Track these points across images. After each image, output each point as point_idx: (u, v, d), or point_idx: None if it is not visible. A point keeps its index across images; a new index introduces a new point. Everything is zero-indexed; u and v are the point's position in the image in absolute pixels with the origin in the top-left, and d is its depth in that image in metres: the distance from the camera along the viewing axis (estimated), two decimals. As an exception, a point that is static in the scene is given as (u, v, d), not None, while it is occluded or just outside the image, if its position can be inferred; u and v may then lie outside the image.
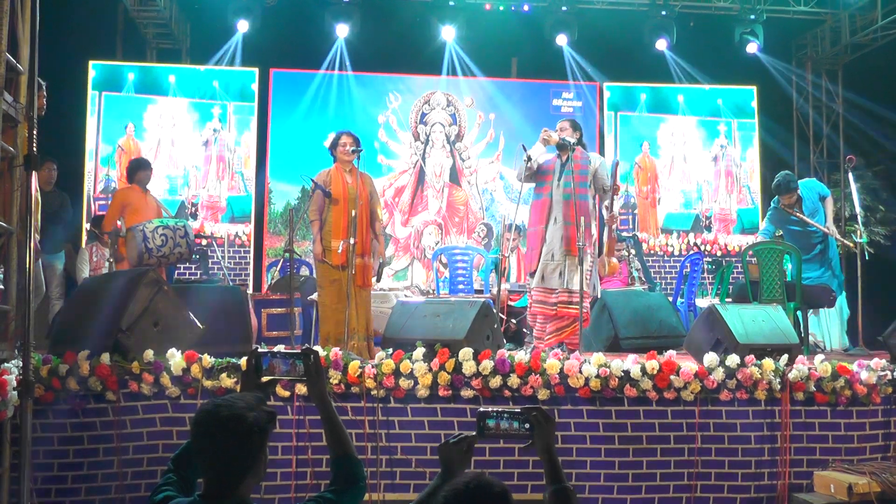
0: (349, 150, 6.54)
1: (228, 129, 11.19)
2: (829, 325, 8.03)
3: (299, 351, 2.71)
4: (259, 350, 2.73)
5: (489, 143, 11.76)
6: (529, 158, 6.51)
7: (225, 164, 11.13)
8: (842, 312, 8.09)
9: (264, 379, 2.69)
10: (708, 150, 11.97)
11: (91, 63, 10.87)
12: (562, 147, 6.52)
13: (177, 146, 11.05)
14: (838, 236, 7.81)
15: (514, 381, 5.31)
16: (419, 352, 5.35)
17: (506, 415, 2.66)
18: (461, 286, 9.35)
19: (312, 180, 6.56)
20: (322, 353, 5.29)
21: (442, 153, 11.69)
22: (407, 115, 11.69)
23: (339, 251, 6.31)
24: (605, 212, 6.56)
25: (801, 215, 7.70)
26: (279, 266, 9.69)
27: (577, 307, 6.21)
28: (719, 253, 11.54)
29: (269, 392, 2.77)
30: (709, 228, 11.83)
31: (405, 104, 11.71)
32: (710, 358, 5.40)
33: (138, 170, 7.54)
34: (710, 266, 10.20)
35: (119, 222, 7.22)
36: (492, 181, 11.70)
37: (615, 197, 6.62)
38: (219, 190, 11.10)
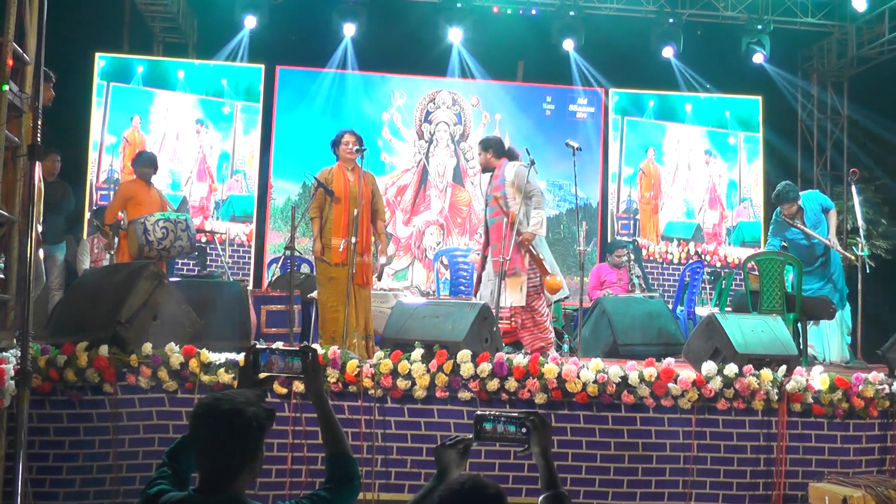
0: (352, 149, 6.55)
1: (233, 129, 11.18)
2: (829, 337, 8.02)
3: (297, 348, 2.71)
4: (257, 346, 2.72)
5: (494, 143, 11.72)
6: None
7: (205, 165, 11.05)
8: (842, 325, 8.07)
9: (262, 375, 2.69)
10: (713, 161, 11.97)
11: (97, 55, 10.88)
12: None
13: (181, 141, 11.05)
14: (840, 248, 7.80)
15: (511, 384, 5.31)
16: (417, 352, 5.35)
17: (503, 418, 2.65)
18: (462, 288, 9.34)
19: (315, 178, 6.56)
20: (320, 351, 5.30)
21: (446, 153, 11.65)
22: (411, 113, 11.66)
23: (340, 249, 6.32)
24: (519, 233, 6.64)
25: (802, 226, 7.69)
26: (280, 263, 9.69)
27: (508, 322, 6.64)
28: (718, 264, 11.53)
29: (266, 388, 2.77)
30: (709, 240, 11.82)
31: (410, 102, 11.68)
32: (709, 367, 5.40)
33: (142, 164, 7.53)
34: (709, 277, 10.20)
35: (121, 214, 7.23)
36: (495, 182, 11.68)
37: (530, 204, 6.69)
38: (204, 191, 11.05)
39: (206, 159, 11.06)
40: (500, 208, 6.72)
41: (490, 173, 6.96)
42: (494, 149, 6.94)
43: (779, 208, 7.86)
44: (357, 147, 6.52)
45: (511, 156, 6.96)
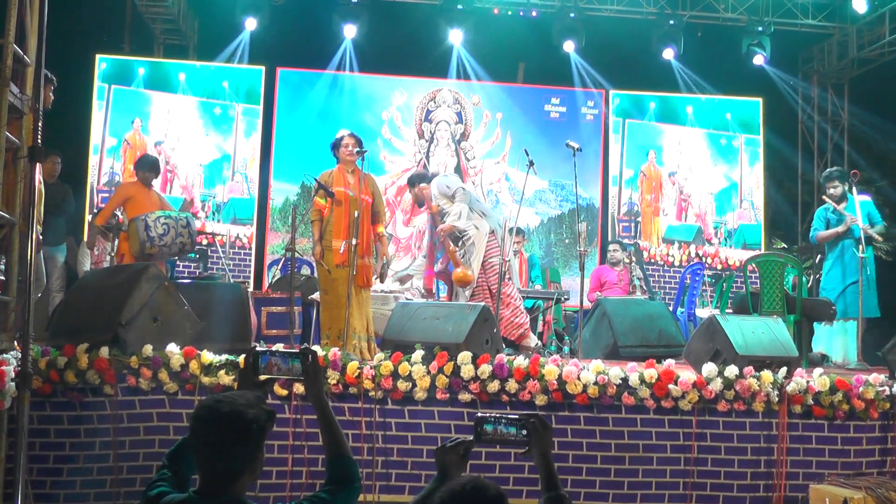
0: (352, 151, 6.55)
1: (234, 131, 11.17)
2: (836, 339, 7.90)
3: (297, 350, 2.71)
4: (257, 349, 2.72)
5: (495, 142, 11.69)
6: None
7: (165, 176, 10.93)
8: (852, 328, 7.93)
9: (262, 377, 2.69)
10: (713, 164, 11.96)
11: (98, 57, 10.89)
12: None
13: (182, 143, 11.05)
14: (871, 232, 7.63)
15: (511, 385, 5.31)
16: (418, 354, 5.35)
17: (504, 420, 2.65)
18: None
19: (316, 180, 6.56)
20: (321, 353, 5.29)
21: (446, 152, 11.61)
22: (411, 112, 11.63)
23: (341, 251, 6.32)
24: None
25: (836, 205, 7.65)
26: (280, 265, 9.69)
27: None
28: (720, 266, 11.52)
29: (267, 390, 2.77)
30: (710, 241, 11.80)
31: (410, 101, 11.65)
32: (709, 368, 5.40)
33: (144, 168, 7.53)
34: (710, 280, 10.20)
35: (121, 216, 7.23)
36: (497, 182, 11.65)
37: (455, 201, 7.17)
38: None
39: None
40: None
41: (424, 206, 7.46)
42: (418, 181, 7.43)
43: (819, 210, 7.88)
44: (357, 149, 6.52)
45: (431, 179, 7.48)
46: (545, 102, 11.88)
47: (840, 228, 7.65)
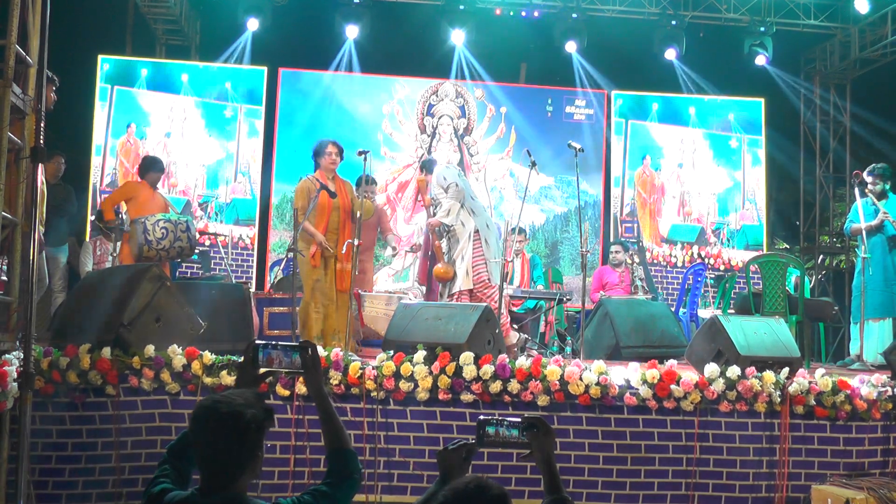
0: (335, 160, 6.70)
1: (237, 132, 11.16)
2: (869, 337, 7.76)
3: (297, 344, 2.72)
4: (257, 342, 2.72)
5: (499, 138, 11.61)
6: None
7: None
8: (883, 328, 7.80)
9: (262, 371, 2.70)
10: (716, 164, 11.94)
11: (100, 57, 10.89)
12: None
13: (185, 144, 11.04)
14: None
15: (514, 386, 5.31)
16: (420, 354, 5.35)
17: (506, 423, 2.65)
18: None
19: (318, 181, 6.57)
20: (322, 353, 5.29)
21: (449, 147, 11.51)
22: (413, 106, 11.56)
23: (343, 252, 6.38)
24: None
25: (877, 200, 7.50)
26: (282, 265, 9.68)
27: None
28: (722, 267, 11.51)
29: (269, 384, 2.77)
30: (709, 242, 11.77)
31: (412, 95, 11.57)
32: (711, 369, 5.40)
33: (149, 169, 7.53)
34: (712, 280, 10.20)
35: (124, 217, 7.24)
36: (501, 178, 11.58)
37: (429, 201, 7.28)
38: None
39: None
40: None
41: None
42: (428, 168, 7.53)
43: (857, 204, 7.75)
44: (344, 155, 6.67)
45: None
46: (545, 104, 11.81)
47: (873, 222, 7.46)
